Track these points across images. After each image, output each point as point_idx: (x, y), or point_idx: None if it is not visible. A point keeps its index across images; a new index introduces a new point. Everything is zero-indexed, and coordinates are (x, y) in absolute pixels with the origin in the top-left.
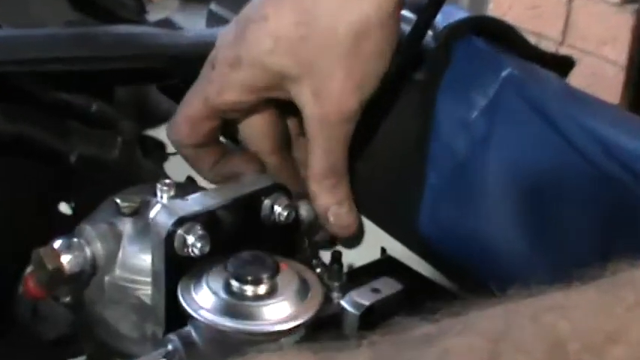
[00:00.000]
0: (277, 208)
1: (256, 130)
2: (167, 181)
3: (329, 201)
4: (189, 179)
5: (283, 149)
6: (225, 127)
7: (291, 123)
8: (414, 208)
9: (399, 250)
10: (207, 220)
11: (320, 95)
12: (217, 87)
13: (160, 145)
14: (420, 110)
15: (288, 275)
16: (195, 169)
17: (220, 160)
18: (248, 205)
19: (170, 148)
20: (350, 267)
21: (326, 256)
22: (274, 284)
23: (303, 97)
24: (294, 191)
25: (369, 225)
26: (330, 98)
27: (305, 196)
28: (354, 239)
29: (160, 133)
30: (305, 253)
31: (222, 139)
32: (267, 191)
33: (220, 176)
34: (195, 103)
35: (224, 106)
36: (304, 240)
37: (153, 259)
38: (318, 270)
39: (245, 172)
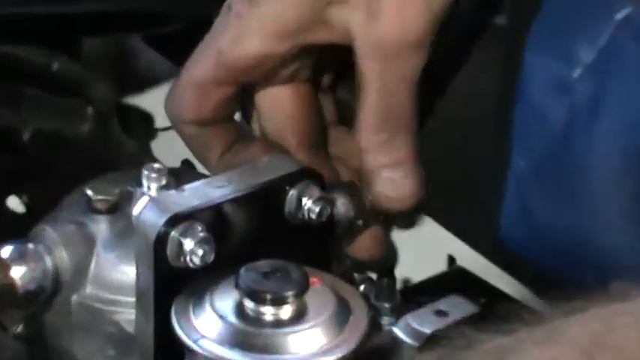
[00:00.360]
0: (307, 202)
1: (283, 112)
2: (156, 165)
3: (381, 161)
4: (186, 163)
5: (318, 143)
6: (244, 102)
7: (328, 106)
8: (493, 201)
9: (471, 259)
10: (210, 218)
11: (376, 14)
12: (233, 34)
13: (145, 118)
14: (501, 67)
15: (320, 293)
16: (198, 156)
17: (233, 147)
18: (267, 198)
19: (160, 122)
20: (406, 282)
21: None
22: (302, 305)
23: (354, 21)
24: (330, 181)
25: (431, 225)
26: (388, 16)
27: (343, 184)
28: (407, 223)
29: (145, 100)
30: (344, 262)
31: (237, 117)
32: (293, 179)
33: (232, 168)
34: (204, 62)
35: (243, 61)
36: (343, 245)
37: (138, 272)
38: (363, 286)
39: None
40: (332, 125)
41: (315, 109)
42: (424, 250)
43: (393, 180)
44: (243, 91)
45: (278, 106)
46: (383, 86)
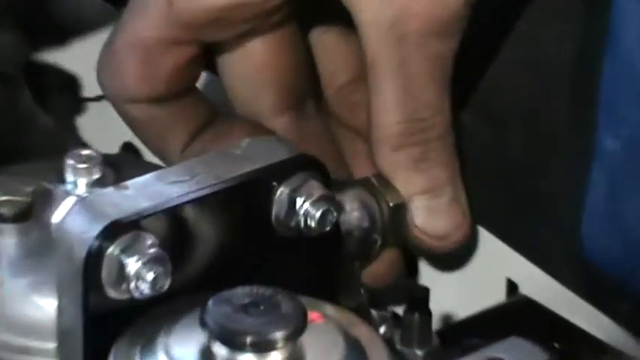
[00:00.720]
0: (303, 204)
1: (253, 65)
2: (85, 152)
3: (411, 187)
4: (128, 148)
5: (309, 107)
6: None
7: (341, 57)
8: (570, 200)
9: (540, 284)
10: (165, 227)
11: None
12: None
13: (69, 83)
14: (581, 13)
15: (323, 334)
16: (154, 147)
17: (204, 132)
18: (247, 199)
19: (91, 89)
20: (447, 318)
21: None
22: (298, 352)
23: None
24: (336, 176)
25: (483, 238)
26: None
27: (354, 182)
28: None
29: (69, 58)
30: (357, 291)
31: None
32: (283, 170)
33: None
34: (151, 14)
35: (205, 14)
36: (355, 267)
37: (60, 306)
38: (384, 327)
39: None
40: (347, 84)
41: (299, 58)
42: (473, 272)
43: (431, 210)
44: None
45: (246, 58)
46: (403, 80)
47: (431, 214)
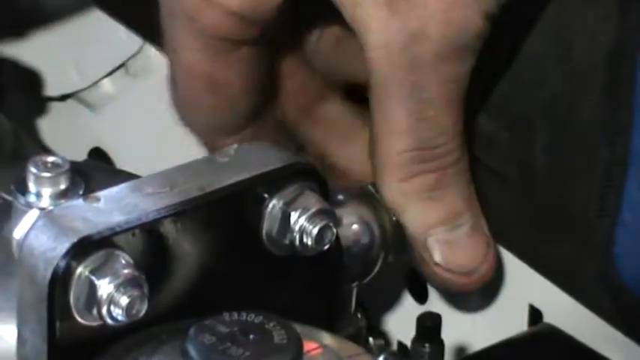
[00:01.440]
0: (299, 220)
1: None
2: (50, 158)
3: (427, 218)
4: (96, 153)
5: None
6: None
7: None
8: (602, 214)
9: (567, 312)
10: (142, 244)
11: (404, 5)
12: None
13: (29, 80)
14: (616, 6)
15: None
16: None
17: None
18: (234, 212)
19: (55, 86)
20: (462, 350)
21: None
22: None
23: (364, 11)
24: (334, 187)
25: (504, 260)
26: (421, 6)
27: (350, 192)
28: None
29: (30, 50)
30: (355, 316)
31: None
32: (276, 180)
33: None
34: (185, 42)
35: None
36: (354, 289)
37: (21, 335)
38: (382, 357)
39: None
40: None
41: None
42: (491, 298)
43: (452, 244)
44: None
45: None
46: (414, 105)
47: (452, 248)
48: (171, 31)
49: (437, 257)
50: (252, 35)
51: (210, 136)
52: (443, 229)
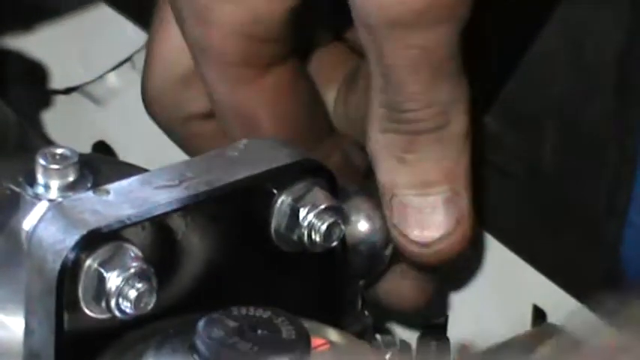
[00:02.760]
0: (307, 216)
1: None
2: (59, 150)
3: (395, 177)
4: (101, 147)
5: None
6: None
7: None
8: (611, 219)
9: (571, 313)
10: (151, 238)
11: None
12: None
13: (33, 72)
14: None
15: None
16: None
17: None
18: (243, 208)
19: (59, 81)
20: (462, 348)
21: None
22: None
23: None
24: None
25: (506, 258)
26: None
27: (358, 189)
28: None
29: (34, 43)
30: (362, 313)
31: None
32: (285, 176)
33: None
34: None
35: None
36: (361, 286)
37: (28, 327)
38: (389, 354)
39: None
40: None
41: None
42: (495, 297)
43: (410, 209)
44: None
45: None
46: (383, 72)
47: (412, 213)
48: (198, 67)
49: (394, 218)
50: (269, 55)
51: None
52: (409, 193)
